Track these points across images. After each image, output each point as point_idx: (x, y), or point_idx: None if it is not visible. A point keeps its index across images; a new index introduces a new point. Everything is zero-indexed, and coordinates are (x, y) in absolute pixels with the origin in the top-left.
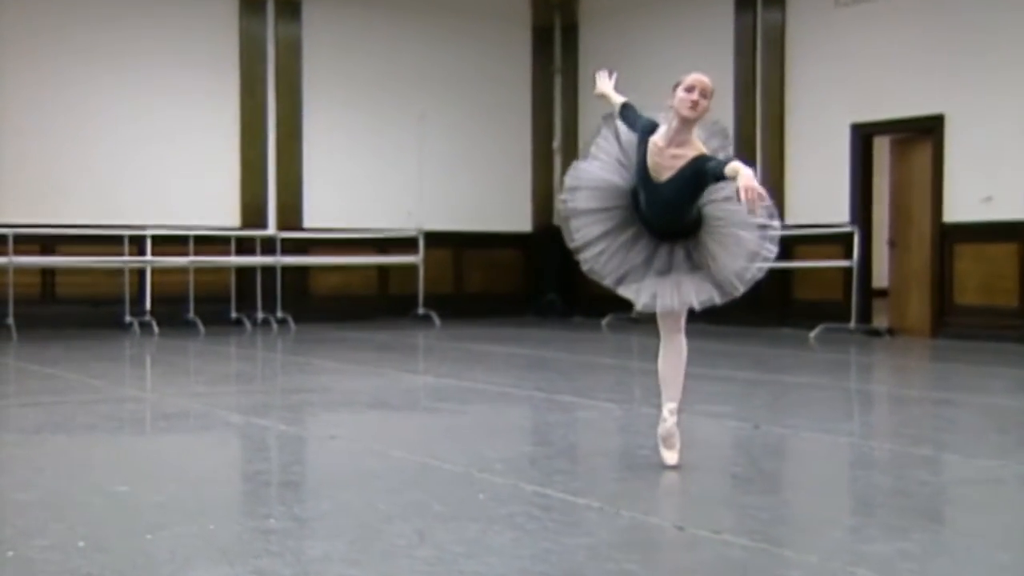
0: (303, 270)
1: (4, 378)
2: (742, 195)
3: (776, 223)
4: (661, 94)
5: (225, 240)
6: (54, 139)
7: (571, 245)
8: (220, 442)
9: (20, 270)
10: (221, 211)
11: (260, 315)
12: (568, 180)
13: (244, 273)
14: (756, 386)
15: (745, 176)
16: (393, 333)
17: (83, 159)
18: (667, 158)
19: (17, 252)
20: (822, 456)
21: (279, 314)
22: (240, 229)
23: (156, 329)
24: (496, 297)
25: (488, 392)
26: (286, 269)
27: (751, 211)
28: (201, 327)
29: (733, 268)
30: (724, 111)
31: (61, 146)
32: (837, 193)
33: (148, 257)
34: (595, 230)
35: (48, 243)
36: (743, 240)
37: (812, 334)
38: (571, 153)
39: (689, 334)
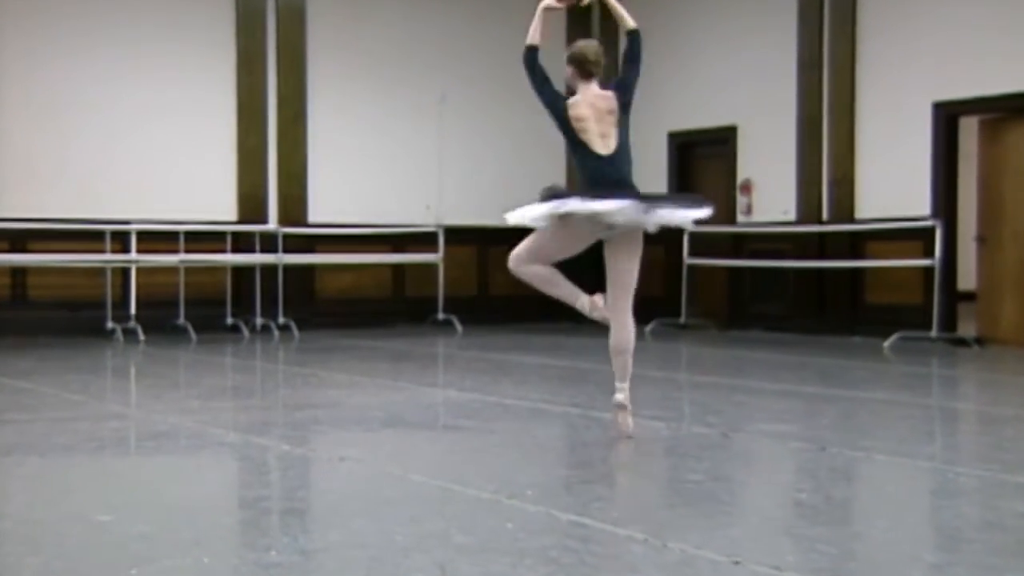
0: (308, 270)
1: None
2: None
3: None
4: (717, 71)
5: (220, 236)
6: (25, 122)
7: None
8: (215, 464)
9: None
10: (215, 203)
11: (259, 320)
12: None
13: (241, 273)
14: (822, 402)
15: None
16: (410, 341)
17: (58, 144)
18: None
19: None
20: (899, 483)
21: (281, 319)
22: (237, 223)
23: (142, 336)
24: (525, 300)
25: (517, 408)
26: (289, 269)
27: None
28: (193, 334)
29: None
30: (786, 89)
31: (33, 130)
32: (916, 182)
33: (133, 255)
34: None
35: (19, 239)
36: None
37: (886, 343)
38: None
39: (747, 343)
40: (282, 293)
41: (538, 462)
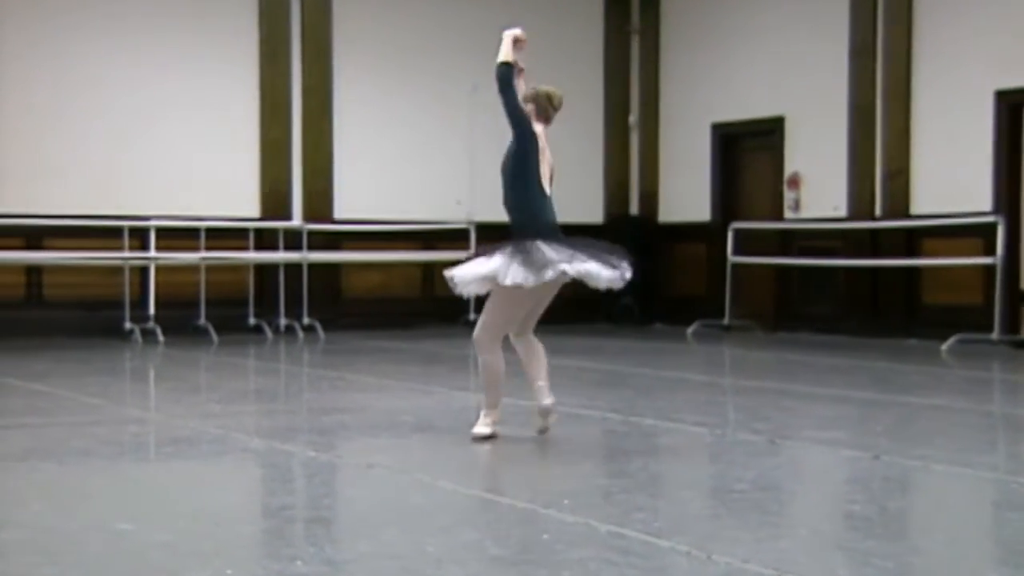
0: (334, 268)
1: None
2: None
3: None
4: (763, 59)
5: (242, 233)
6: (42, 114)
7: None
8: (238, 471)
9: (1, 267)
10: (237, 199)
11: (283, 321)
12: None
13: (265, 272)
14: (876, 408)
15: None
16: (440, 343)
17: (76, 138)
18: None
19: None
20: (958, 494)
21: (306, 320)
22: (260, 220)
23: (161, 337)
24: (561, 301)
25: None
26: (314, 267)
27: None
28: (214, 335)
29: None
30: (837, 77)
31: (50, 123)
32: (976, 175)
33: (152, 253)
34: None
35: (34, 236)
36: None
37: (944, 346)
38: (651, 131)
39: (795, 346)
40: (307, 292)
41: (575, 470)
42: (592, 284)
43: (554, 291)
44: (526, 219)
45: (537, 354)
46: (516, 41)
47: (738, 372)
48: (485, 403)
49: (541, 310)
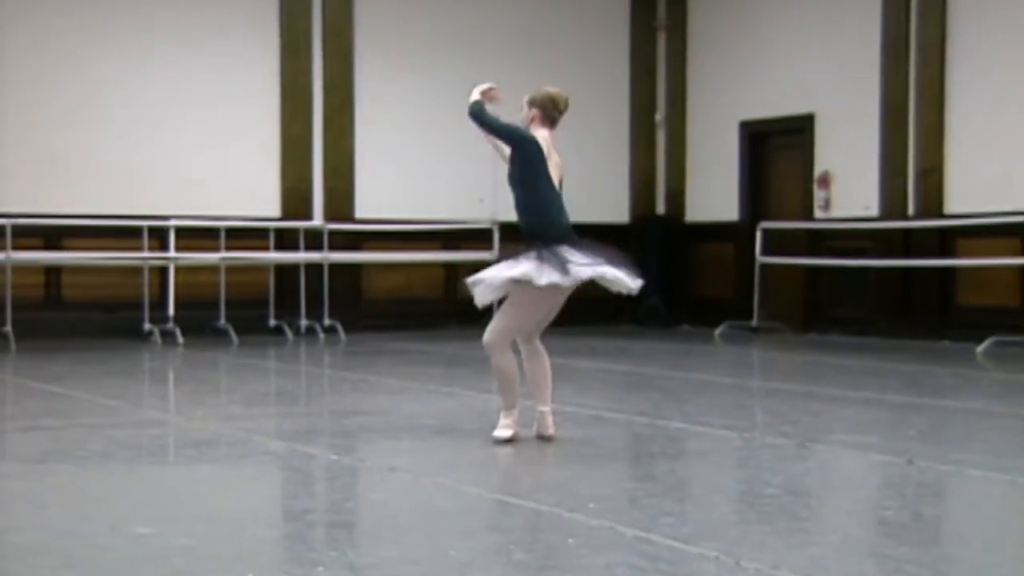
0: (355, 269)
1: (1, 396)
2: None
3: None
4: (793, 55)
5: (263, 233)
6: (60, 112)
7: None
8: (259, 474)
9: (20, 268)
10: (258, 198)
11: (304, 322)
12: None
13: (285, 272)
14: (909, 412)
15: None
16: (463, 344)
17: (94, 137)
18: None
19: (16, 246)
20: (995, 500)
21: (327, 321)
22: (280, 220)
23: (180, 339)
24: (586, 301)
25: (578, 416)
26: (335, 267)
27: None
28: (234, 336)
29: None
30: (869, 73)
31: (68, 121)
32: (1012, 173)
33: (171, 253)
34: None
35: (53, 236)
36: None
37: (980, 348)
38: (678, 129)
39: (824, 348)
40: (328, 293)
41: (601, 474)
42: (615, 289)
43: (564, 297)
44: (545, 223)
45: (543, 367)
46: (485, 92)
47: (766, 375)
48: (503, 405)
49: (552, 316)
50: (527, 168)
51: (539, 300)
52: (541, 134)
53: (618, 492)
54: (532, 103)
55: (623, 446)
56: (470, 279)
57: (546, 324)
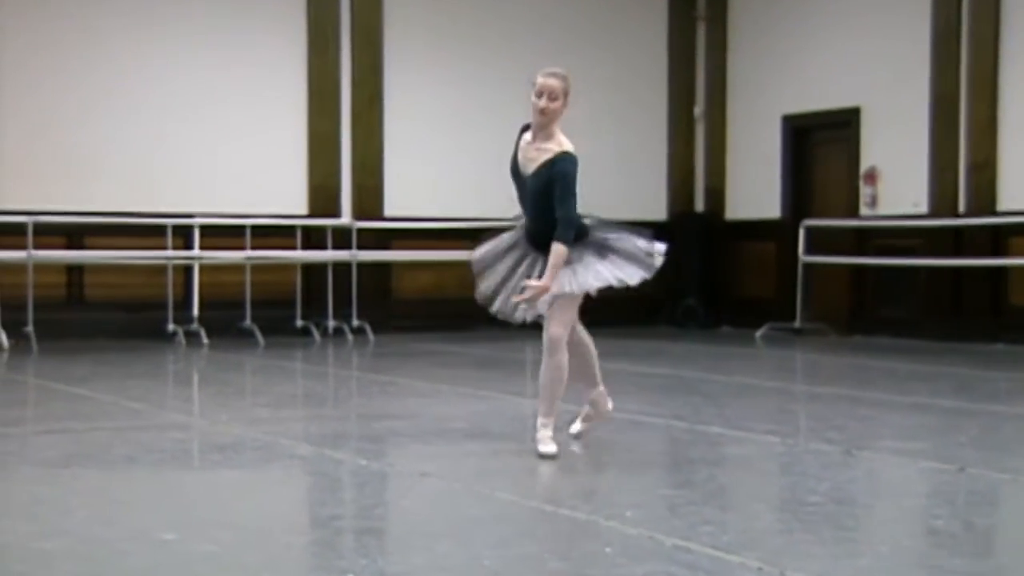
0: (384, 268)
1: (23, 399)
2: (526, 293)
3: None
4: (838, 45)
5: (289, 231)
6: (82, 106)
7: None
8: (285, 479)
9: (41, 267)
10: (284, 195)
11: (332, 323)
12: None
13: (312, 271)
14: (960, 417)
15: (546, 277)
16: (495, 346)
17: (118, 132)
18: (532, 151)
19: (38, 245)
20: None
21: (355, 322)
22: (308, 217)
23: (205, 340)
24: (621, 301)
25: (615, 421)
26: (363, 266)
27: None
28: (260, 337)
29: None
30: (918, 64)
31: (91, 115)
32: None
33: (196, 251)
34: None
35: (75, 233)
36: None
37: None
38: (718, 123)
39: (871, 351)
40: (356, 293)
41: (638, 480)
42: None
43: None
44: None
45: (590, 347)
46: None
47: (810, 378)
48: (544, 412)
49: None
50: (571, 191)
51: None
52: (564, 137)
53: (656, 499)
54: (565, 92)
55: (661, 452)
56: (475, 259)
57: None
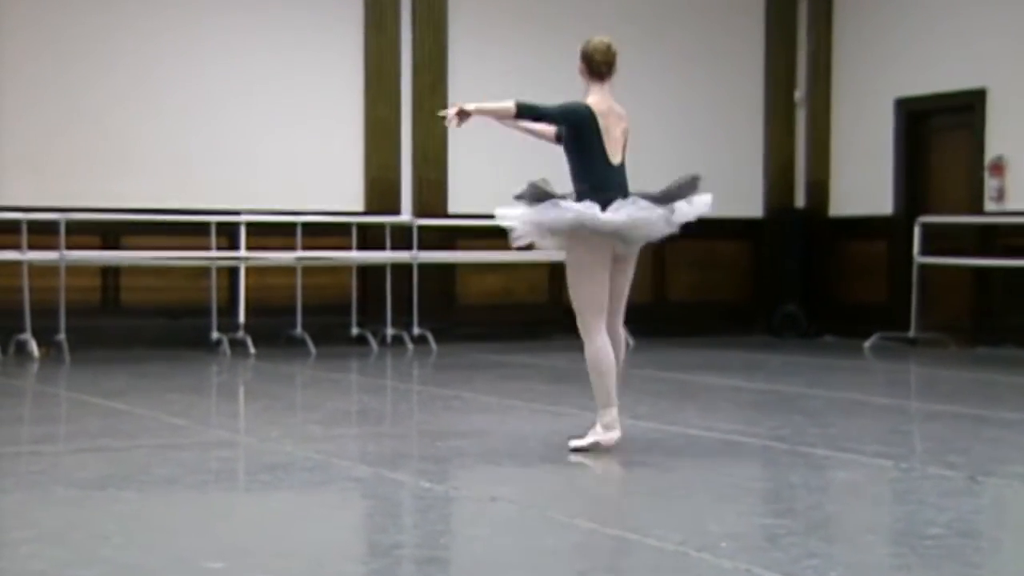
0: (448, 270)
1: (55, 414)
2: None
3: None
4: (960, 20)
5: (344, 229)
6: (118, 95)
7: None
8: (341, 503)
9: (75, 269)
10: (339, 190)
11: (390, 331)
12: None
13: (369, 274)
14: None
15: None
16: (571, 357)
17: (155, 122)
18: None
19: (71, 245)
20: None
21: (416, 330)
22: (364, 214)
23: (252, 349)
24: (712, 307)
25: (706, 441)
26: (425, 268)
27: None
28: (311, 346)
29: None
30: None
31: (126, 104)
32: None
33: (242, 252)
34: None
35: (111, 232)
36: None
37: None
38: (822, 108)
39: (998, 363)
40: (417, 298)
41: (733, 507)
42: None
43: (628, 255)
44: (585, 188)
45: (618, 357)
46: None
47: (928, 394)
48: (602, 402)
49: (625, 289)
50: (576, 142)
51: (590, 254)
52: (596, 90)
53: (754, 529)
54: (580, 58)
55: (758, 476)
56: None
57: (623, 299)
